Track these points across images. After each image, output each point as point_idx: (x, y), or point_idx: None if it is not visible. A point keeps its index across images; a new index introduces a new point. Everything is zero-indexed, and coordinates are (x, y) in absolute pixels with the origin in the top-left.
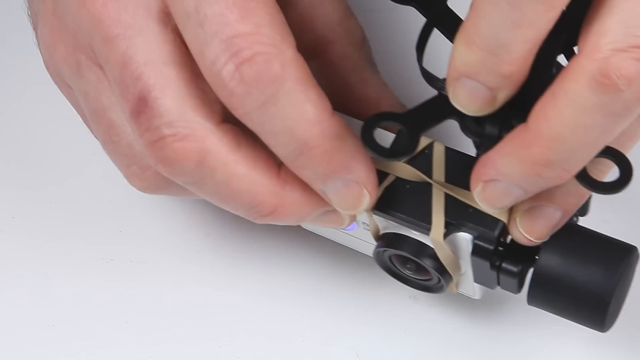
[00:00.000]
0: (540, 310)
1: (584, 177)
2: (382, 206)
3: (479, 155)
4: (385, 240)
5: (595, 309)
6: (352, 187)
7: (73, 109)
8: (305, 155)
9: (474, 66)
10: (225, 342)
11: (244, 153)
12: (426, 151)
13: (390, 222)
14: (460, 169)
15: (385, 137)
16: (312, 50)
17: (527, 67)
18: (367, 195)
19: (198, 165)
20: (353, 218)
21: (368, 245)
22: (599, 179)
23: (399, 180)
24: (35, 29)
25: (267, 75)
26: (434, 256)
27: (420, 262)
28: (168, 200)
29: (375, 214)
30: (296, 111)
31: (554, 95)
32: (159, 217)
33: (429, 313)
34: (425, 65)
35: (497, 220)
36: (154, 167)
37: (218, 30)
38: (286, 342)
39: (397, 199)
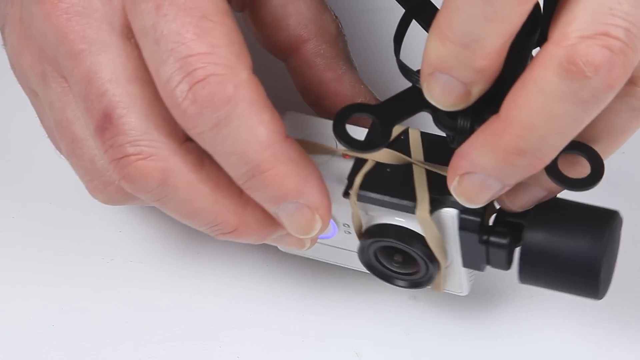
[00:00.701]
0: (540, 310)
1: (554, 173)
2: (365, 191)
3: (453, 145)
4: (370, 233)
5: (587, 277)
6: (304, 212)
7: None
8: (257, 177)
9: (448, 61)
10: (225, 342)
11: (207, 172)
12: (402, 137)
13: (373, 212)
14: (437, 149)
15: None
16: (286, 48)
17: (500, 62)
18: (319, 220)
19: (161, 184)
20: (314, 241)
21: (352, 255)
22: (570, 175)
23: (379, 165)
24: (2, 29)
25: (219, 96)
26: (421, 240)
27: (407, 248)
28: None
29: (359, 199)
30: (248, 134)
31: (524, 84)
32: (159, 217)
33: (429, 313)
34: (403, 57)
35: None
36: (117, 183)
37: (173, 48)
38: (286, 342)
39: (379, 183)
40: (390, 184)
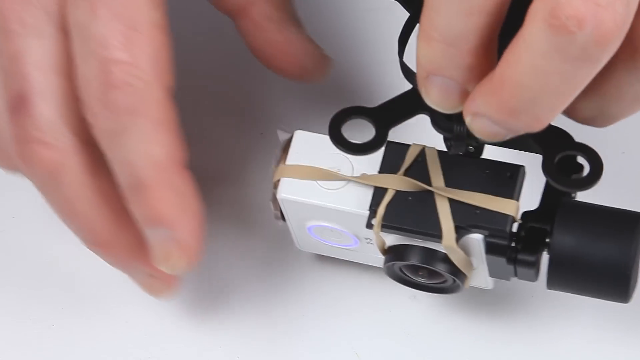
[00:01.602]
0: (541, 309)
1: (552, 173)
2: (388, 222)
3: (449, 149)
4: (394, 253)
5: (617, 282)
6: (172, 245)
7: None
8: (138, 192)
9: (437, 62)
10: (225, 342)
11: (99, 180)
12: (419, 159)
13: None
14: (457, 170)
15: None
16: (235, 10)
17: (490, 56)
18: (183, 261)
19: (50, 175)
20: (171, 292)
21: (373, 258)
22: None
23: (399, 193)
24: None
25: (127, 105)
26: (445, 259)
27: (432, 268)
28: None
29: (383, 231)
30: (142, 148)
31: (515, 41)
32: None
33: (429, 313)
34: (406, 60)
35: (506, 216)
36: (13, 157)
37: (98, 51)
38: (286, 342)
39: (402, 213)
40: (413, 214)
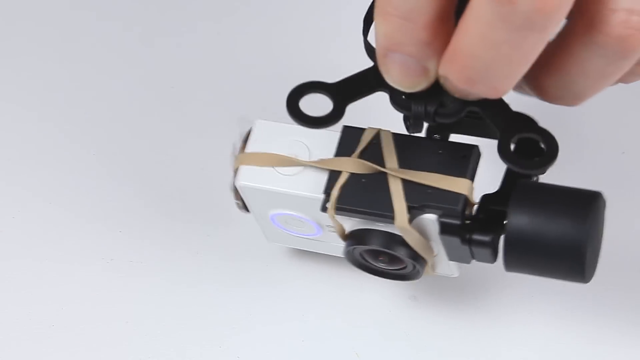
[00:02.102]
0: (541, 309)
1: (507, 155)
2: (342, 205)
3: (408, 130)
4: (353, 238)
5: (573, 261)
6: None
7: (74, 110)
8: None
9: (394, 37)
10: (225, 342)
11: None
12: (374, 141)
13: (354, 219)
14: (411, 152)
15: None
16: None
17: (447, 31)
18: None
19: None
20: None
21: (338, 248)
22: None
23: (353, 176)
24: None
25: None
26: (404, 243)
27: (392, 252)
28: (168, 200)
29: (337, 214)
30: None
31: (465, 12)
32: (159, 217)
33: (429, 313)
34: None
35: (458, 195)
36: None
37: None
38: (286, 342)
39: (356, 195)
40: (367, 195)
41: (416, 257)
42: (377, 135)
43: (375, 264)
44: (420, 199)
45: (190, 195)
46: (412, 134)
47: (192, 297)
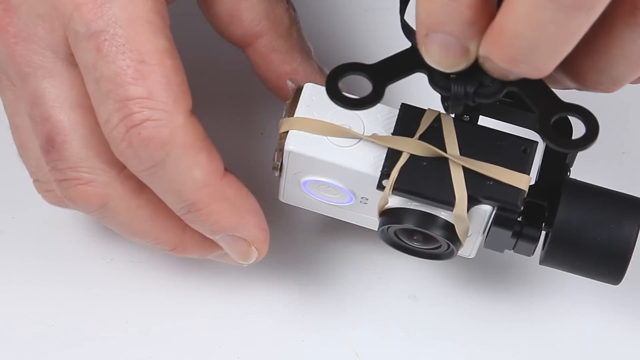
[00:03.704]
0: (540, 309)
1: (548, 133)
2: (401, 186)
3: (446, 111)
4: (392, 215)
5: (615, 265)
6: (241, 243)
7: None
8: (193, 213)
9: (437, 17)
10: (225, 342)
11: (146, 197)
12: (435, 125)
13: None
14: (471, 140)
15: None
16: (241, 42)
17: (489, 10)
18: (255, 252)
19: (100, 208)
20: (257, 259)
21: (361, 217)
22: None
23: (413, 157)
24: None
25: (155, 141)
26: (444, 226)
27: (430, 233)
28: None
29: (395, 194)
30: (183, 176)
31: None
32: None
33: (429, 313)
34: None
35: (519, 190)
36: (61, 197)
37: (112, 90)
38: (286, 342)
39: (415, 177)
40: (427, 179)
41: (453, 239)
42: (438, 118)
43: (409, 243)
44: (480, 189)
45: None
46: (472, 123)
47: (192, 297)
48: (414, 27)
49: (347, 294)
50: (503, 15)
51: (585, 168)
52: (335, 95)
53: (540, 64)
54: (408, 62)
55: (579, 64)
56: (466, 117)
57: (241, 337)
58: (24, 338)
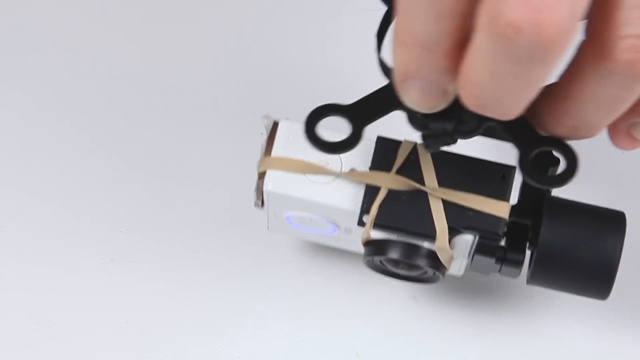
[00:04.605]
0: (540, 309)
1: (527, 170)
2: (381, 222)
3: (426, 148)
4: (375, 247)
5: (601, 280)
6: None
7: (74, 110)
8: None
9: (414, 64)
10: (225, 342)
11: None
12: (412, 157)
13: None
14: (449, 169)
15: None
16: None
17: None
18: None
19: None
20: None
21: (347, 242)
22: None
23: (392, 192)
24: None
25: None
26: (427, 255)
27: (414, 262)
28: (168, 200)
29: (375, 229)
30: None
31: (469, 45)
32: (159, 217)
33: (429, 313)
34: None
35: (499, 219)
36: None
37: None
38: (286, 342)
39: (395, 212)
40: (406, 213)
41: (437, 266)
42: (414, 149)
43: (395, 270)
44: (461, 221)
45: (190, 195)
46: (449, 152)
47: (192, 297)
48: (390, 64)
49: (347, 294)
50: (466, 66)
51: (586, 168)
52: (314, 139)
53: (506, 110)
54: (386, 100)
55: (554, 109)
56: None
57: (241, 337)
58: (24, 338)
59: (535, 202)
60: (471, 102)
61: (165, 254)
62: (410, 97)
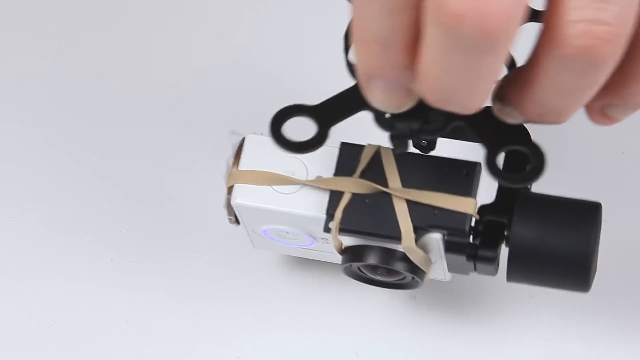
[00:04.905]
0: (540, 310)
1: (493, 169)
2: (346, 226)
3: (395, 150)
4: (351, 253)
5: (577, 272)
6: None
7: (74, 110)
8: None
9: (373, 63)
10: (225, 342)
11: None
12: (375, 160)
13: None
14: (413, 169)
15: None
16: None
17: None
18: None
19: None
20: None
21: (330, 255)
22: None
23: (356, 196)
24: None
25: None
26: (404, 258)
27: (391, 268)
28: (168, 200)
29: (341, 234)
30: None
31: (420, 39)
32: (159, 217)
33: (429, 313)
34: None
35: (464, 215)
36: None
37: None
38: (286, 342)
39: (359, 216)
40: (371, 216)
41: (415, 270)
42: (377, 152)
43: (374, 276)
44: (426, 219)
45: (190, 195)
46: (413, 153)
47: (192, 297)
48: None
49: (347, 294)
50: (421, 60)
51: (586, 168)
52: (279, 139)
53: (464, 103)
54: (353, 100)
55: (519, 96)
56: (424, 142)
57: (241, 337)
58: (24, 338)
59: (512, 200)
60: (431, 97)
61: (165, 254)
62: (375, 97)
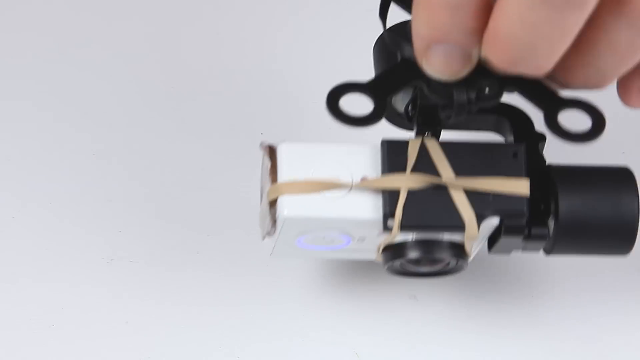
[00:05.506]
0: (540, 310)
1: (555, 126)
2: (408, 222)
3: (445, 120)
4: (395, 251)
5: (625, 235)
6: None
7: (74, 110)
8: None
9: (442, 28)
10: (225, 342)
11: None
12: (423, 153)
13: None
14: (461, 157)
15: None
16: None
17: (489, 16)
18: None
19: None
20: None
21: (361, 253)
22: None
23: (411, 192)
24: None
25: None
26: (449, 246)
27: (436, 257)
28: (168, 200)
29: (402, 231)
30: None
31: None
32: (159, 217)
33: (429, 313)
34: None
35: (521, 197)
36: None
37: None
38: (286, 342)
39: (419, 211)
40: (431, 209)
41: (461, 255)
42: (423, 145)
43: (417, 269)
44: (485, 206)
45: (190, 195)
46: (456, 141)
47: (192, 297)
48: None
49: (347, 293)
50: (497, 19)
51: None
52: (337, 114)
53: (540, 62)
54: (404, 73)
55: (566, 59)
56: (428, 133)
57: (241, 337)
58: (24, 338)
59: (537, 176)
60: (502, 58)
61: (165, 254)
62: (434, 64)
